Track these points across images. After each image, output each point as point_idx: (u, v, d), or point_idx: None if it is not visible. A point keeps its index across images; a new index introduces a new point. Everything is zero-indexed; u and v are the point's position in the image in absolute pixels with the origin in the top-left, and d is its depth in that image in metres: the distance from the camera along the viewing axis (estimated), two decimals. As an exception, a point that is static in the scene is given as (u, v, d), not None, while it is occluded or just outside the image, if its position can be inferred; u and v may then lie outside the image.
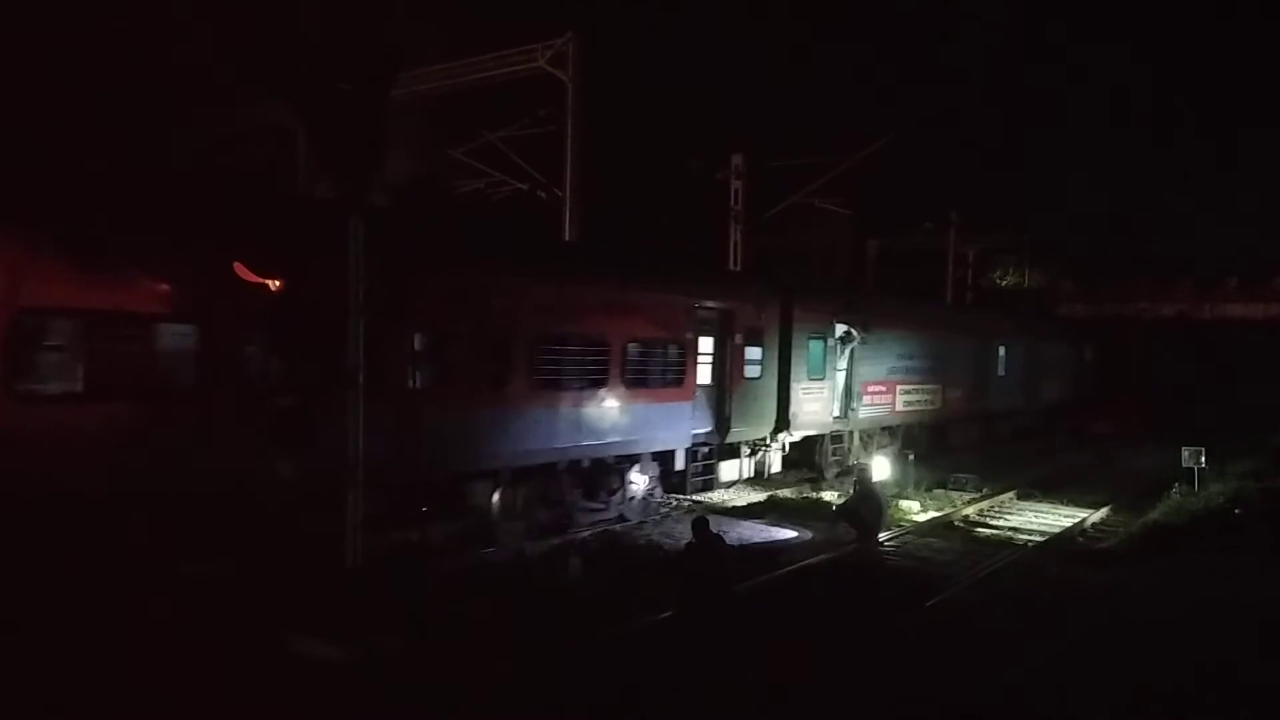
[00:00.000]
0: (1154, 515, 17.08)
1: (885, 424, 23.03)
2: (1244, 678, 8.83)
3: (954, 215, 38.26)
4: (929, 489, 19.25)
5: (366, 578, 8.74)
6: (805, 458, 20.61)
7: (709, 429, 16.76)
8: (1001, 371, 29.59)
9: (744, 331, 17.42)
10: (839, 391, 20.84)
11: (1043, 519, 17.55)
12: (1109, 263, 49.80)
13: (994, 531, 16.40)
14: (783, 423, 18.76)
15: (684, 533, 13.00)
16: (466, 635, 9.01)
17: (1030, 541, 15.48)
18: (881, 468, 17.29)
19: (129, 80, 21.88)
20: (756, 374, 17.88)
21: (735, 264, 26.66)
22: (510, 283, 12.65)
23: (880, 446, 22.21)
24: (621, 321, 14.59)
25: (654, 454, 15.62)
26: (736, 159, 26.74)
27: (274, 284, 8.97)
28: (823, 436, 20.67)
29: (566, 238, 21.13)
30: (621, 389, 14.51)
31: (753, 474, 18.61)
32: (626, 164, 29.31)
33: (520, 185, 24.19)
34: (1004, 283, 52.30)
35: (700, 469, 16.76)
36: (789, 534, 15.11)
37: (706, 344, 16.58)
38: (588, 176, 21.59)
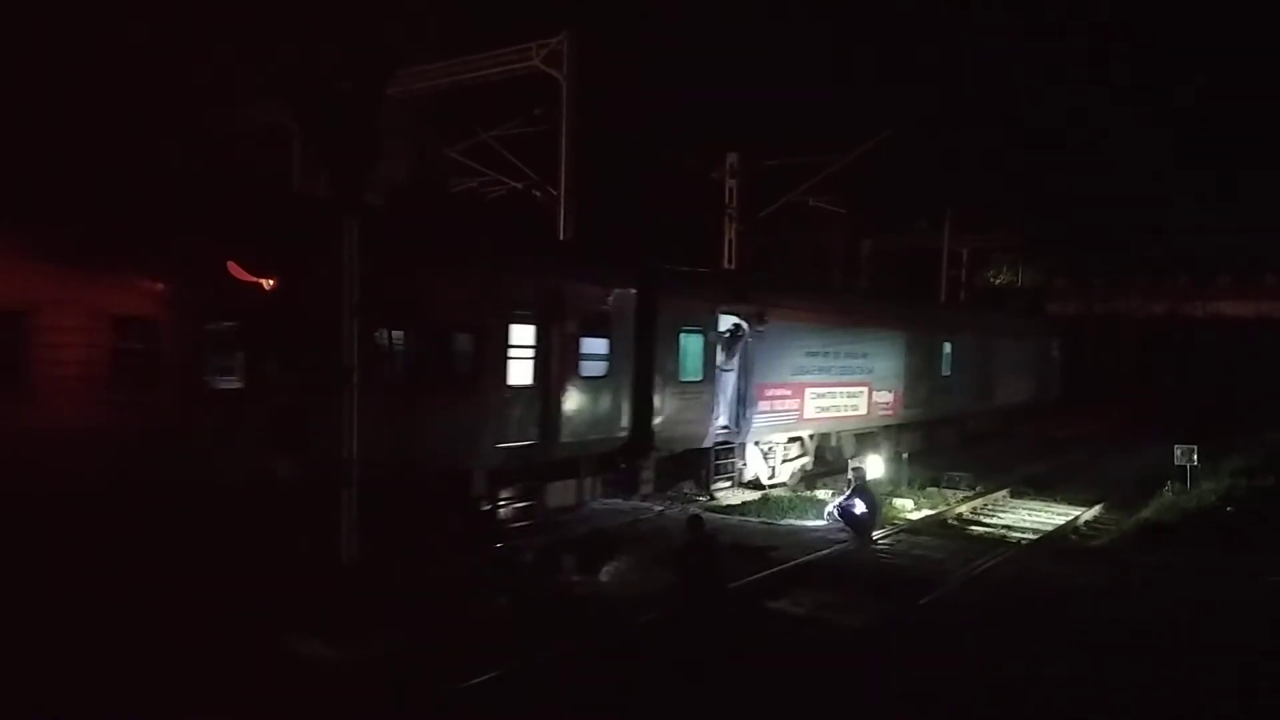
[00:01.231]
0: (1146, 513, 17.19)
1: (792, 433, 19.67)
2: (1240, 675, 8.90)
3: (948, 214, 38.35)
4: (923, 487, 19.31)
5: (363, 575, 8.77)
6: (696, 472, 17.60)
7: (528, 442, 13.35)
8: (947, 370, 26.04)
9: (580, 319, 14.20)
10: (728, 396, 17.61)
11: (1036, 517, 17.62)
12: (1102, 261, 49.92)
13: (987, 529, 16.47)
14: (641, 432, 15.58)
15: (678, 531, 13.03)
16: (462, 633, 9.06)
17: (1023, 539, 15.56)
18: (875, 466, 17.36)
19: (124, 80, 21.85)
20: (600, 372, 14.65)
21: (731, 263, 26.71)
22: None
23: (787, 459, 19.65)
24: (379, 300, 10.43)
25: (444, 479, 11.89)
26: (731, 157, 26.79)
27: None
28: (708, 450, 17.37)
29: (561, 236, 21.14)
30: (382, 390, 10.49)
31: (594, 496, 15.44)
32: (621, 163, 29.32)
33: (515, 184, 24.20)
34: (998, 281, 52.48)
35: (517, 494, 13.49)
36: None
37: (526, 334, 13.38)
38: (583, 175, 21.61)
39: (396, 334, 11.27)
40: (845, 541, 14.22)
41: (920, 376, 24.46)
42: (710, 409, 16.99)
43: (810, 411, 19.98)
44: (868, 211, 36.79)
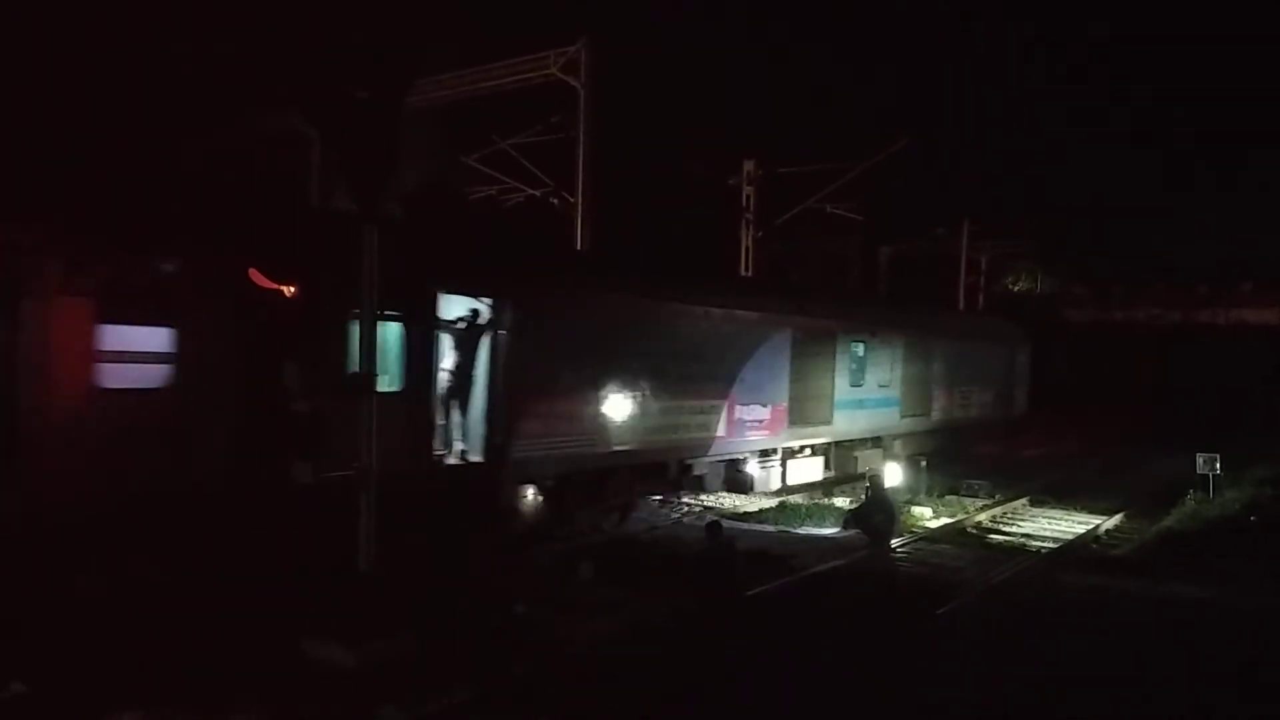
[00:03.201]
0: (1168, 522, 17.02)
1: (586, 463, 13.97)
2: (1262, 686, 8.79)
3: (966, 221, 38.21)
4: (941, 495, 19.21)
5: (380, 581, 8.80)
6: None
7: None
8: (855, 381, 20.19)
9: (107, 293, 9.11)
10: (477, 410, 12.43)
11: (1055, 525, 17.48)
12: (1122, 267, 49.57)
13: (1006, 538, 16.34)
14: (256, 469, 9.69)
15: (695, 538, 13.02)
16: (478, 639, 9.08)
17: (1043, 549, 15.43)
18: (893, 474, 17.26)
19: (144, 86, 22.10)
20: (156, 381, 9.39)
21: (747, 270, 26.70)
22: None
23: (575, 505, 14.35)
24: None
25: None
26: (748, 164, 26.81)
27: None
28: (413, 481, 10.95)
29: (579, 244, 21.20)
30: None
31: None
32: (639, 170, 29.38)
33: (533, 192, 24.29)
34: (1016, 288, 52.24)
35: None
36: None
37: None
38: (600, 183, 21.67)
39: None
40: (862, 549, 14.15)
41: (814, 385, 18.84)
42: (419, 428, 11.51)
43: (623, 434, 14.39)
44: (885, 218, 36.71)
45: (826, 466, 20.02)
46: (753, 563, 12.32)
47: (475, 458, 12.43)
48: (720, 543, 9.83)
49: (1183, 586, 12.55)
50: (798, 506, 17.70)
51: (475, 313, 12.52)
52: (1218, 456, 18.27)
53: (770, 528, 15.92)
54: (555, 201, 23.38)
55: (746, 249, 26.83)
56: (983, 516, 17.64)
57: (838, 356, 19.65)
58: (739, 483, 17.96)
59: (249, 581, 8.72)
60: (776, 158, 27.16)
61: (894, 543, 14.56)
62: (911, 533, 15.78)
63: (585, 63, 20.83)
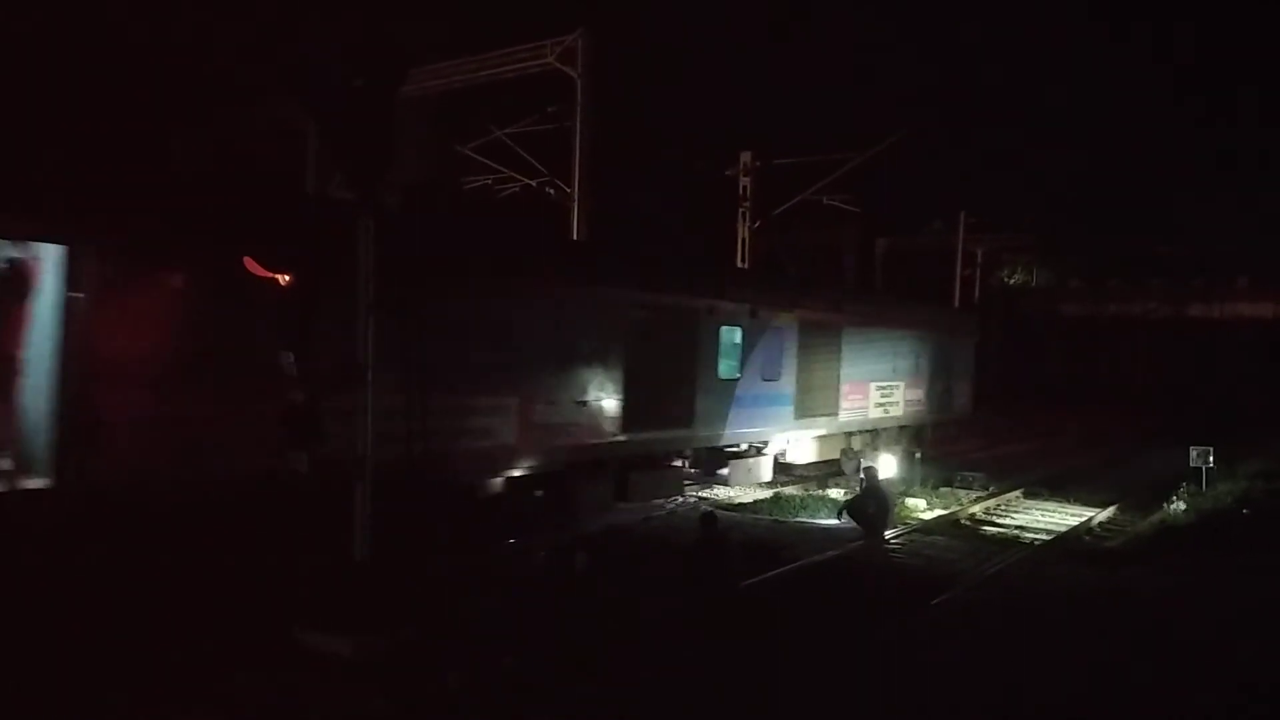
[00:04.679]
0: (1161, 515, 17.09)
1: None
2: (1254, 679, 8.84)
3: (963, 214, 38.25)
4: (936, 487, 19.26)
5: (376, 571, 8.80)
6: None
7: None
8: (729, 373, 16.19)
9: None
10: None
11: (1049, 517, 17.55)
12: (1118, 262, 49.62)
13: (1000, 530, 16.41)
14: None
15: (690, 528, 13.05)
16: (476, 629, 9.09)
17: (1037, 540, 15.50)
18: (888, 466, 17.32)
19: (137, 77, 22.01)
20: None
21: (744, 261, 26.70)
22: None
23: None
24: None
25: None
26: (745, 156, 26.81)
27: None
28: None
29: (575, 234, 21.18)
30: None
31: None
32: (636, 161, 29.34)
33: (529, 182, 24.27)
34: (1012, 281, 52.32)
35: None
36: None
37: None
38: (596, 173, 21.65)
39: None
40: (856, 541, 14.19)
41: (665, 381, 14.85)
42: None
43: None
44: (882, 211, 36.72)
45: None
46: (746, 553, 12.34)
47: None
48: (714, 533, 9.86)
49: (1174, 578, 12.61)
50: (791, 497, 17.75)
51: (11, 262, 8.22)
52: (1211, 450, 18.35)
53: (765, 518, 15.96)
54: (551, 191, 23.36)
55: (743, 240, 26.83)
56: (977, 508, 17.71)
57: (700, 346, 15.52)
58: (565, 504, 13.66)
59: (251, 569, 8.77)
60: (774, 149, 27.17)
61: (888, 534, 14.63)
62: (906, 524, 15.83)
63: (582, 52, 20.79)
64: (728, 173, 27.14)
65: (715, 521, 10.07)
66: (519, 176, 24.70)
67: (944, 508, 17.61)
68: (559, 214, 22.33)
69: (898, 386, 21.81)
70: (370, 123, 8.64)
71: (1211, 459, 18.37)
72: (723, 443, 16.70)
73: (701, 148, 29.03)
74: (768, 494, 18.06)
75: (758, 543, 13.76)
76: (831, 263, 39.84)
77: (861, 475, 15.51)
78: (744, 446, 17.55)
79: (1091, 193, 52.08)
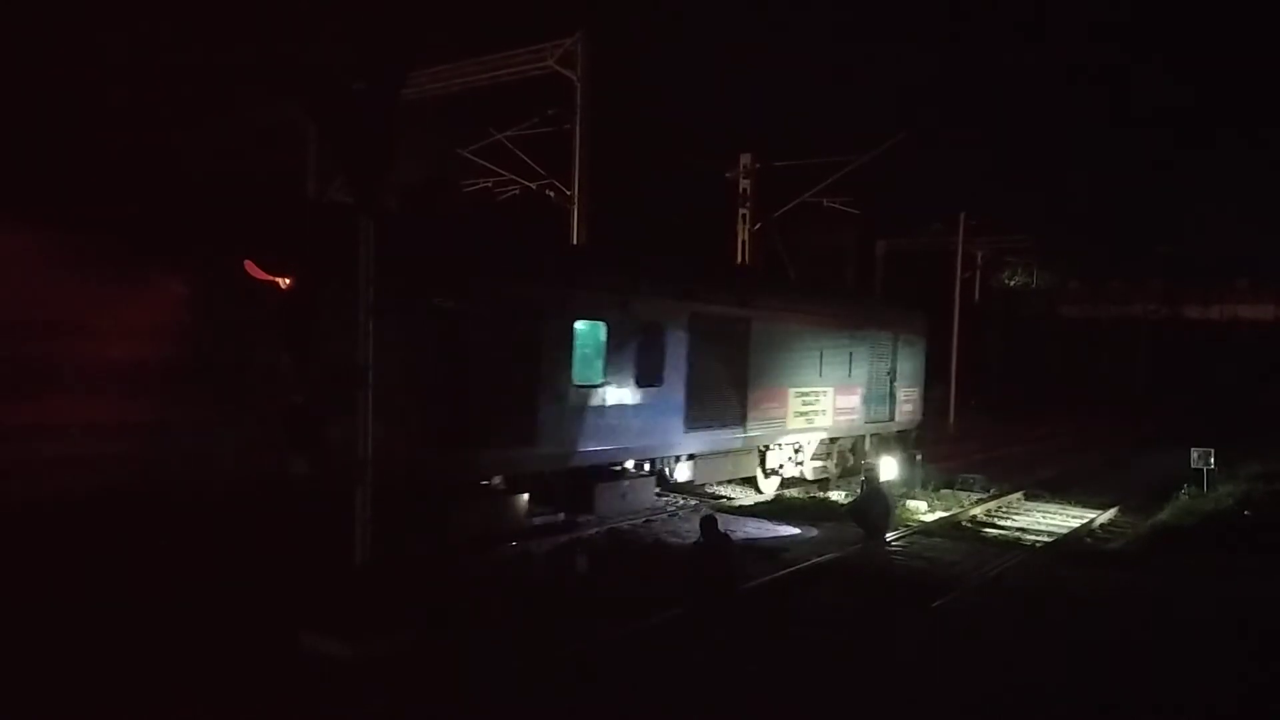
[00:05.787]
0: (1162, 516, 17.08)
1: None
2: (1258, 680, 8.83)
3: (963, 216, 38.28)
4: (937, 489, 19.25)
5: (377, 574, 8.80)
6: None
7: None
8: (588, 378, 13.47)
9: None
10: None
11: (1050, 520, 17.53)
12: (1118, 264, 49.70)
13: (1001, 532, 16.39)
14: None
15: (691, 531, 13.06)
16: (476, 632, 9.08)
17: (1038, 542, 15.48)
18: (889, 468, 17.31)
19: (140, 78, 22.02)
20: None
21: (744, 263, 26.71)
22: None
23: None
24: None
25: None
26: (745, 158, 26.81)
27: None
28: None
29: (575, 237, 21.19)
30: None
31: None
32: (635, 163, 29.34)
33: (529, 184, 24.28)
34: (1012, 283, 52.35)
35: None
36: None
37: None
38: (596, 176, 21.66)
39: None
40: (857, 543, 14.19)
41: (501, 387, 12.07)
42: None
43: None
44: (882, 213, 36.73)
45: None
46: (747, 555, 12.34)
47: None
48: (715, 536, 9.85)
49: (1176, 579, 12.60)
50: (793, 500, 17.73)
51: None
52: (1212, 451, 18.34)
53: (767, 521, 15.95)
54: (551, 194, 23.37)
55: (743, 242, 26.84)
56: (978, 510, 17.69)
57: (548, 341, 12.69)
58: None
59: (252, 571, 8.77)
60: (774, 151, 27.19)
61: (889, 536, 14.63)
62: (907, 526, 15.82)
63: (582, 55, 20.82)
64: (727, 175, 27.15)
65: (716, 524, 10.06)
66: (519, 179, 24.71)
67: (945, 510, 17.59)
68: (560, 217, 22.36)
69: (825, 393, 18.64)
70: (371, 125, 8.64)
71: (1212, 460, 18.35)
72: (580, 462, 13.45)
73: (701, 150, 29.03)
74: (769, 497, 18.08)
75: (758, 546, 13.80)
76: (832, 264, 39.86)
77: (863, 478, 15.53)
78: (630, 465, 14.81)
79: (1092, 194, 52.10)
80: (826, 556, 13.31)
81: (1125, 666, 9.14)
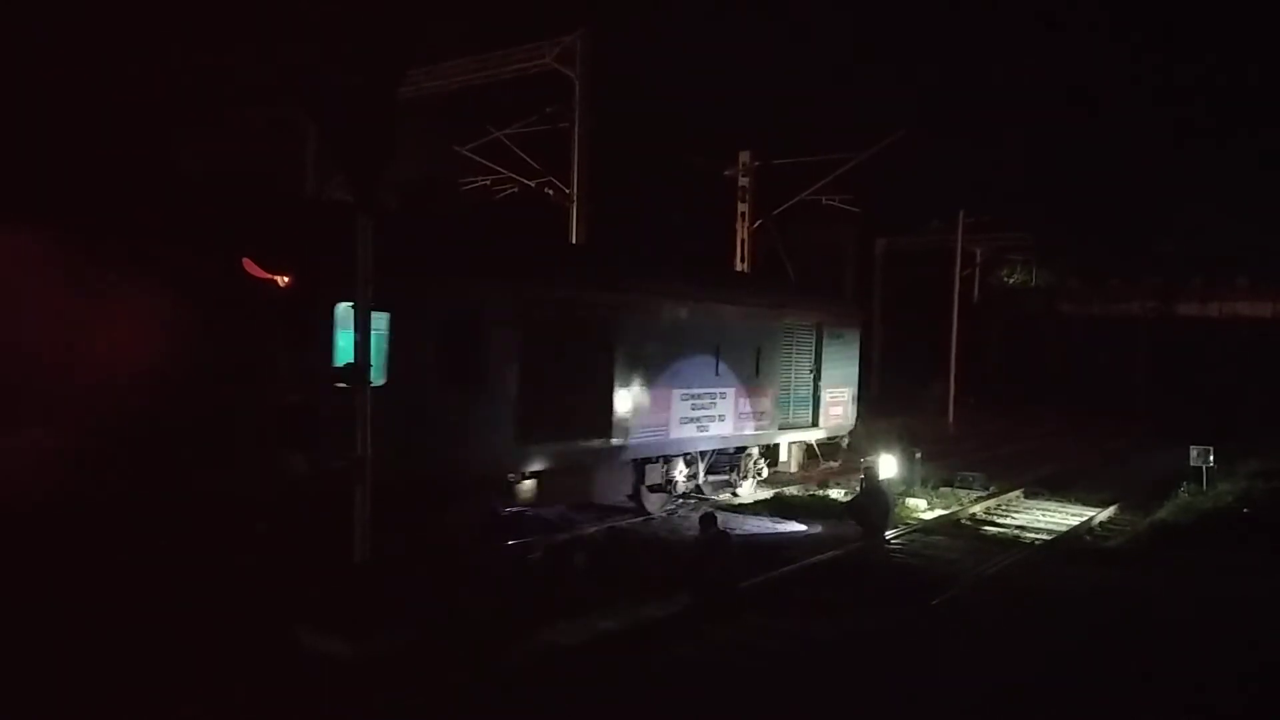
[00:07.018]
0: (1162, 514, 17.07)
1: None
2: (1256, 677, 8.82)
3: (962, 214, 38.25)
4: (936, 487, 19.23)
5: (376, 573, 8.78)
6: None
7: None
8: (392, 367, 10.17)
9: None
10: None
11: (1050, 517, 17.52)
12: (1117, 261, 49.65)
13: (1001, 530, 16.38)
14: None
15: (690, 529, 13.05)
16: (475, 630, 9.07)
17: (1037, 540, 15.47)
18: (888, 466, 17.28)
19: (139, 77, 22.00)
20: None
21: (743, 261, 26.69)
22: None
23: None
24: None
25: None
26: (744, 156, 26.77)
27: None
28: None
29: (574, 235, 21.17)
30: None
31: None
32: (634, 161, 29.29)
33: (527, 182, 24.26)
34: (1011, 281, 52.33)
35: None
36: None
37: None
38: (595, 174, 21.63)
39: None
40: (857, 541, 14.18)
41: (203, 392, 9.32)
42: None
43: None
44: (881, 211, 36.67)
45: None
46: (746, 553, 12.31)
47: None
48: (714, 534, 9.85)
49: (1175, 577, 12.60)
50: (792, 498, 17.71)
51: None
52: (1211, 449, 18.33)
53: (766, 518, 15.94)
54: (550, 192, 23.34)
55: (742, 240, 26.82)
56: (977, 508, 17.68)
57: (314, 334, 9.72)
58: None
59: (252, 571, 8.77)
60: (773, 149, 27.14)
61: (889, 534, 14.62)
62: (906, 524, 15.81)
63: (581, 53, 20.80)
64: (726, 173, 27.12)
65: (715, 522, 10.06)
66: (518, 177, 24.69)
67: (944, 508, 17.58)
68: (559, 215, 22.35)
69: (723, 395, 15.84)
70: (369, 122, 8.62)
71: (1212, 458, 18.34)
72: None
73: (701, 148, 28.97)
74: (768, 494, 18.07)
75: (757, 543, 13.79)
76: (831, 263, 39.83)
77: (862, 475, 15.51)
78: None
79: (1091, 192, 52.13)
80: (826, 554, 13.30)
81: (1125, 664, 9.13)
